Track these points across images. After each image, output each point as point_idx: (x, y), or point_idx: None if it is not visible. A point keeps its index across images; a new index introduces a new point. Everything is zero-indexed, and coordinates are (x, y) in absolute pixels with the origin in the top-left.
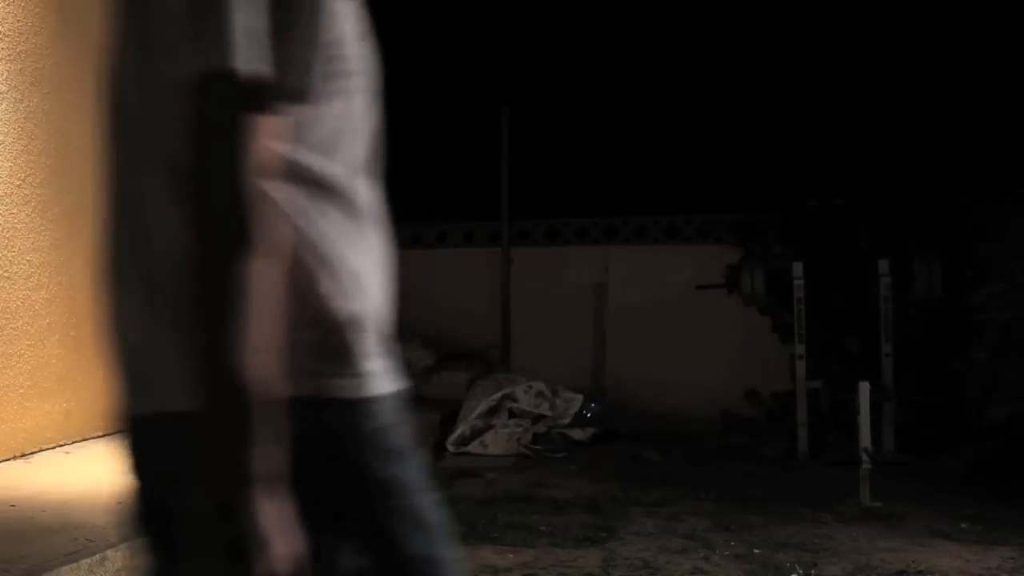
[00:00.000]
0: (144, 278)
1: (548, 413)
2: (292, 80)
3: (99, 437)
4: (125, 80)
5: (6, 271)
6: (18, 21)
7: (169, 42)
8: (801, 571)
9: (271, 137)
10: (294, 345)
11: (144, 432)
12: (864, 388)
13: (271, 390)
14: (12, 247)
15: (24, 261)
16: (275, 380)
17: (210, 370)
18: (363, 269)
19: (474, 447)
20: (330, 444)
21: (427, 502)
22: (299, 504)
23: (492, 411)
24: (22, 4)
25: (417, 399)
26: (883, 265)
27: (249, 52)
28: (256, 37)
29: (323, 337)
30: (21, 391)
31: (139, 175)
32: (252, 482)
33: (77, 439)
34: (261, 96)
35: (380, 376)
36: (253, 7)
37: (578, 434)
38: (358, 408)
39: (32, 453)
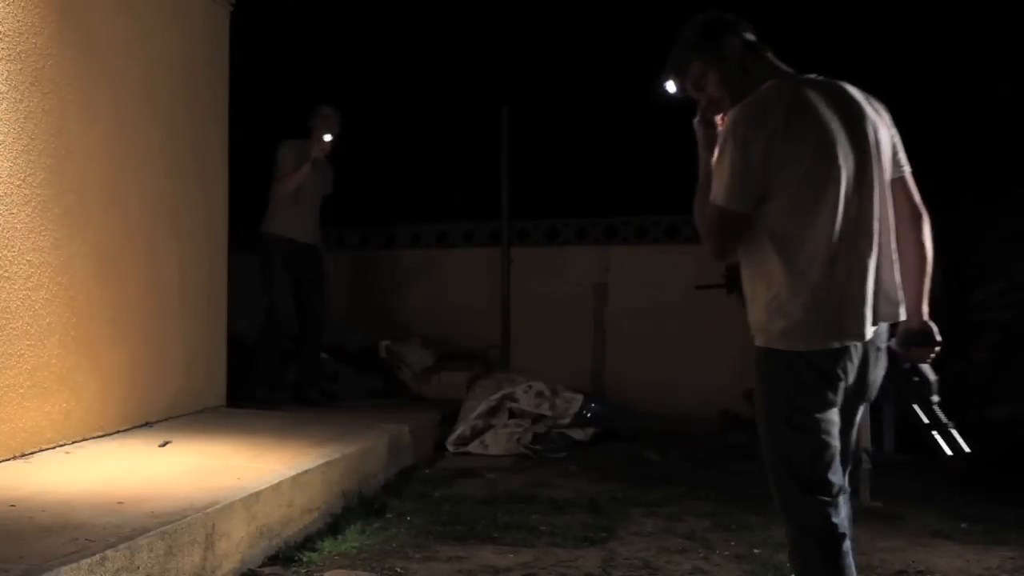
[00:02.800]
0: None
1: (548, 413)
2: None
3: (99, 437)
4: None
5: (6, 271)
6: (18, 21)
7: None
8: None
9: None
10: None
11: None
12: None
13: None
14: (12, 247)
15: (24, 261)
16: None
17: None
18: None
19: (474, 447)
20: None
21: None
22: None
23: (492, 411)
24: (22, 4)
25: (417, 399)
26: None
27: None
28: None
29: None
30: (21, 391)
31: None
32: None
33: (77, 439)
34: None
35: None
36: None
37: (578, 434)
38: None
39: (32, 453)
